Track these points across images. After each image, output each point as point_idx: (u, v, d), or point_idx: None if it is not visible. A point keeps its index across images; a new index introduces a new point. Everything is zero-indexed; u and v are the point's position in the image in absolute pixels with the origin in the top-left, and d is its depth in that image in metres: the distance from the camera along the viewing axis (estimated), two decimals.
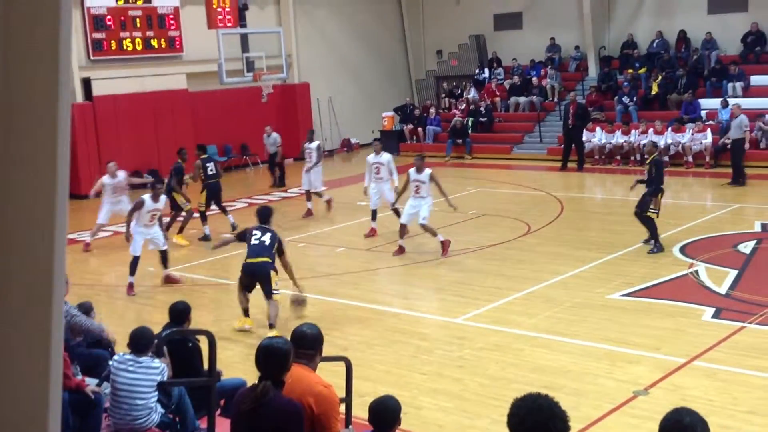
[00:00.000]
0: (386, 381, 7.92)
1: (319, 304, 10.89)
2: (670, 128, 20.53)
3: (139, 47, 21.61)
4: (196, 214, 14.90)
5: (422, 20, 29.36)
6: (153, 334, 6.27)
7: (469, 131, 24.47)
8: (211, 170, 15.02)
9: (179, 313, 6.85)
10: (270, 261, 9.54)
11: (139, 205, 11.68)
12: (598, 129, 21.75)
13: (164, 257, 12.05)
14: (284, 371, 4.11)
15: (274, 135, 20.39)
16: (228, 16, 18.99)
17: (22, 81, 0.98)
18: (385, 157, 14.45)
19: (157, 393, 6.01)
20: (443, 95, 27.65)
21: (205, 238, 14.66)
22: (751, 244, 12.47)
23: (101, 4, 20.80)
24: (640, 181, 12.76)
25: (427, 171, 12.88)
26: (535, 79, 25.11)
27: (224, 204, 15.49)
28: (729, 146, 18.06)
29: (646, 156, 13.23)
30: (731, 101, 19.81)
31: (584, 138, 21.70)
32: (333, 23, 27.00)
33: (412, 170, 12.97)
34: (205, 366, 6.31)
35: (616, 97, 22.96)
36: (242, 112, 23.63)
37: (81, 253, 14.14)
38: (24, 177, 0.99)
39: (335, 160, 25.71)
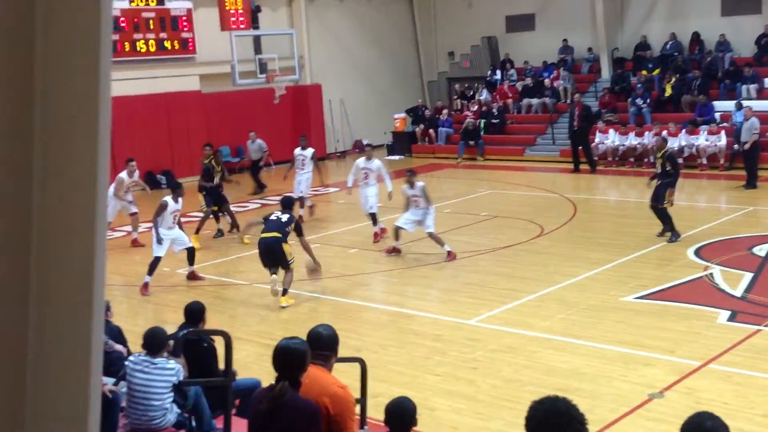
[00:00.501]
0: (400, 382, 7.92)
1: (333, 305, 10.91)
2: (684, 130, 20.46)
3: (152, 49, 21.71)
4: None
5: (434, 22, 29.35)
6: (166, 334, 6.29)
7: (482, 133, 24.44)
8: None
9: (194, 313, 6.86)
10: (281, 236, 10.52)
11: (163, 208, 11.72)
12: (611, 131, 21.69)
13: (191, 254, 12.24)
14: (301, 372, 4.12)
15: (259, 141, 20.13)
16: (241, 18, 19.08)
17: (61, 80, 0.99)
18: (376, 163, 14.41)
19: (172, 393, 6.03)
20: (455, 97, 27.63)
21: (220, 233, 15.01)
22: (767, 246, 12.40)
23: (115, 5, 20.89)
24: (653, 177, 13.11)
25: (419, 184, 12.90)
26: (547, 81, 25.06)
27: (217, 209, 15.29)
28: (746, 149, 17.81)
29: (656, 151, 13.52)
30: (745, 103, 19.70)
31: (597, 140, 21.65)
32: (345, 25, 27.04)
33: (404, 187, 13.03)
34: (221, 366, 6.33)
35: (629, 99, 22.88)
36: (255, 114, 23.70)
37: None
38: (64, 184, 1.00)
39: (347, 162, 25.71)
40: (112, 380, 6.34)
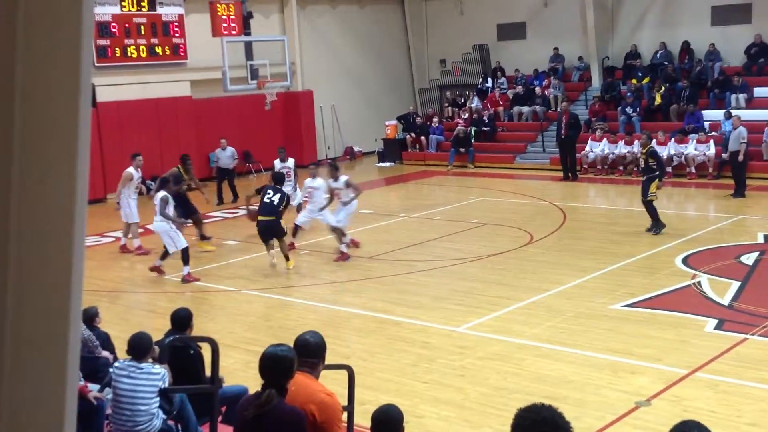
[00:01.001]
0: (387, 389, 7.91)
1: (321, 312, 10.90)
2: (673, 139, 20.56)
3: (143, 54, 21.67)
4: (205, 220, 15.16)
5: (426, 29, 29.43)
6: (151, 340, 6.26)
7: (472, 140, 24.49)
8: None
9: (181, 319, 6.84)
10: (276, 218, 12.15)
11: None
12: (605, 140, 21.77)
13: (185, 255, 12.36)
14: (288, 379, 4.11)
15: (230, 149, 19.74)
16: (232, 24, 19.05)
17: (42, 86, 0.99)
18: (318, 182, 14.02)
19: (158, 399, 6.01)
20: (446, 104, 27.70)
21: (203, 238, 14.83)
22: (754, 255, 12.46)
23: (106, 11, 20.87)
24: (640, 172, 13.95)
25: (343, 178, 13.36)
26: (538, 89, 25.15)
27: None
28: (740, 161, 17.77)
29: (641, 148, 14.48)
30: (734, 113, 19.81)
31: (587, 148, 21.72)
32: (337, 31, 27.08)
33: (330, 180, 13.44)
34: (207, 373, 6.31)
35: (619, 108, 22.98)
36: (246, 120, 23.68)
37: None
38: (43, 186, 0.99)
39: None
40: (97, 387, 6.31)
